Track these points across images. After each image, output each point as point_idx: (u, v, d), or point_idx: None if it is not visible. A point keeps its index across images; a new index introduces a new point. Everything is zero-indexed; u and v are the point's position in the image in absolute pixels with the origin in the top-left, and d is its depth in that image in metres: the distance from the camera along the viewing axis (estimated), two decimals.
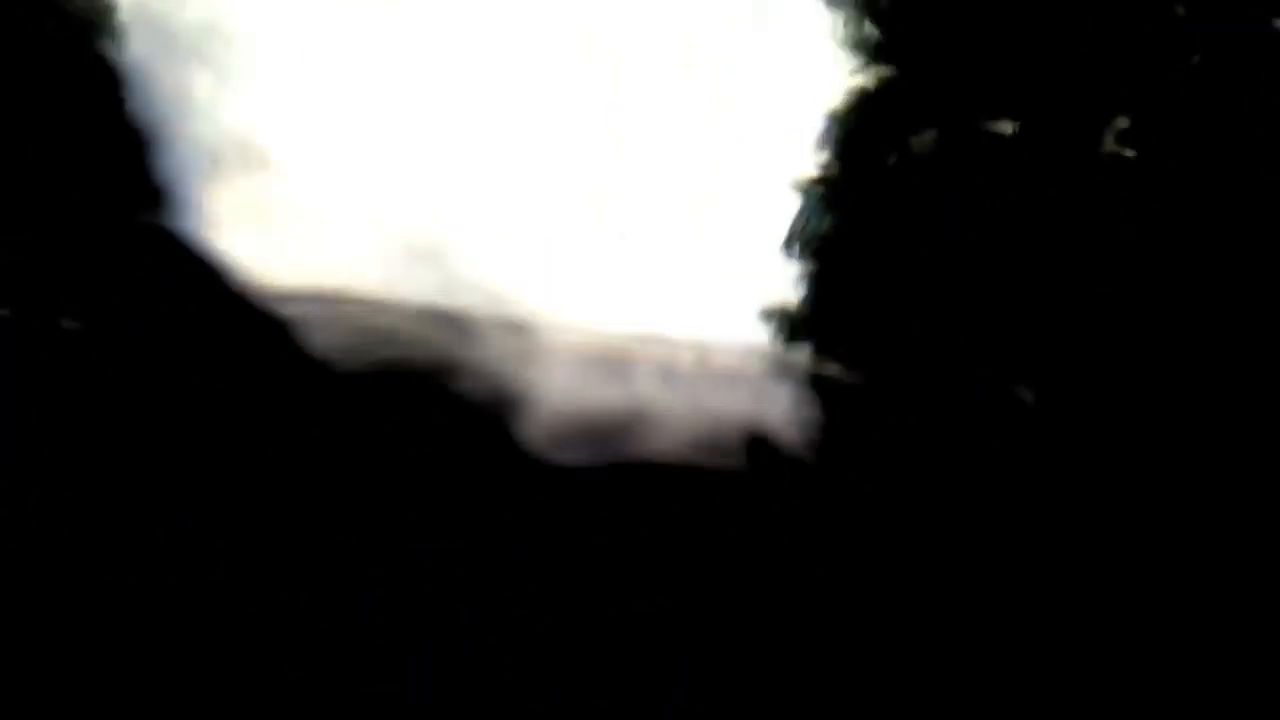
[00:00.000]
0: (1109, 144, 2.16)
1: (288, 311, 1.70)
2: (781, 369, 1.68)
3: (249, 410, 1.51)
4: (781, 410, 1.61)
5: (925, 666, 1.21)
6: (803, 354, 1.81)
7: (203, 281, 1.72)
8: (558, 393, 1.64)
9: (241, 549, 1.26)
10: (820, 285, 1.95)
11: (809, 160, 2.15)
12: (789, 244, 1.89)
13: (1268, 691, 1.24)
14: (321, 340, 1.69)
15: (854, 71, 2.32)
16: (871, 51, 2.38)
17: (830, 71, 2.38)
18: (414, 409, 1.57)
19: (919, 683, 1.19)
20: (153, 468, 1.38)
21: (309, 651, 1.12)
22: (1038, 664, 1.24)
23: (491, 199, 2.06)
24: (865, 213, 2.06)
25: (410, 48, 2.40)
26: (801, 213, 2.01)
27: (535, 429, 1.59)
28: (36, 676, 1.07)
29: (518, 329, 1.71)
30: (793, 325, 1.88)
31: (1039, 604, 1.28)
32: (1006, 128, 2.10)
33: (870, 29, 2.38)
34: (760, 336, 1.81)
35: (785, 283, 1.95)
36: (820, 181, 2.07)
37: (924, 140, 2.10)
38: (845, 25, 2.37)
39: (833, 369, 1.69)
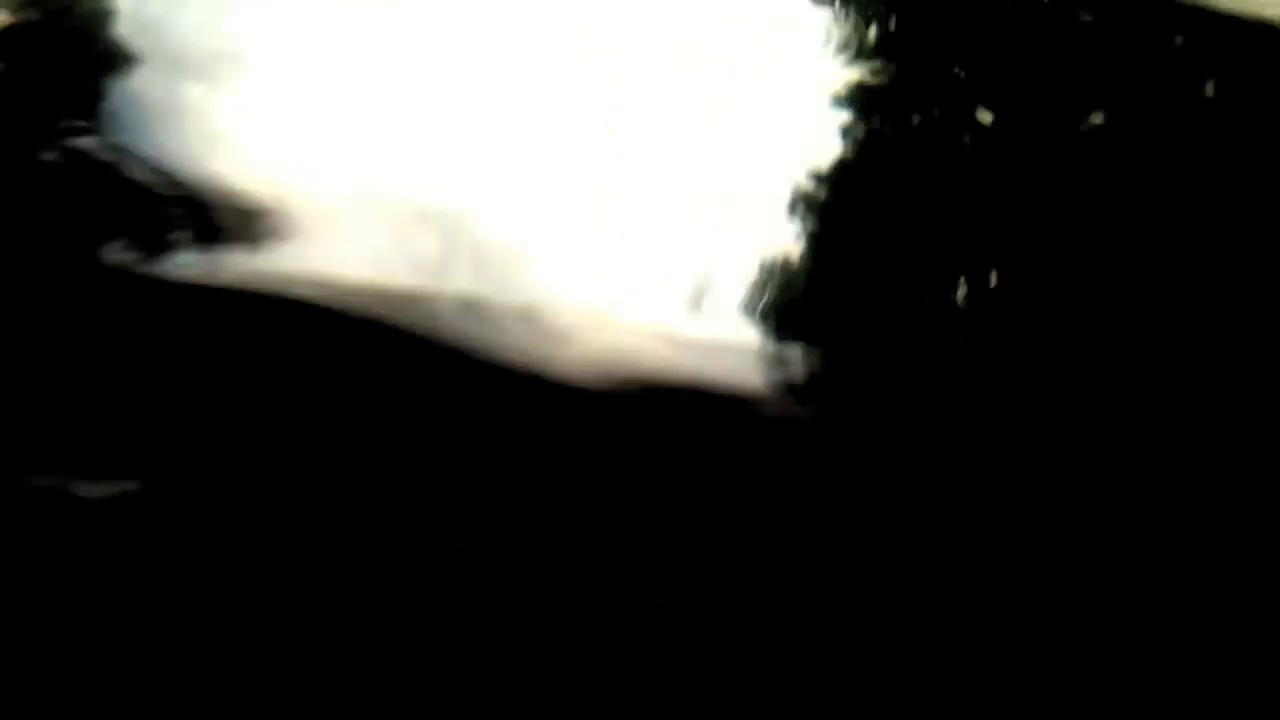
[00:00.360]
0: (1090, 128, 2.17)
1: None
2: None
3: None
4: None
5: (925, 665, 1.20)
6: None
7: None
8: None
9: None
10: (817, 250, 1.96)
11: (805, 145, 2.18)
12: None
13: (1267, 691, 1.23)
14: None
15: (851, 64, 2.33)
16: (869, 47, 2.39)
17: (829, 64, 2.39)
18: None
19: (919, 681, 1.19)
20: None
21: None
22: (1037, 663, 1.24)
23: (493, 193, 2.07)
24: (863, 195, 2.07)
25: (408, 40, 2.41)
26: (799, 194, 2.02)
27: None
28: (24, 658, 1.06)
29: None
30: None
31: (1038, 603, 1.28)
32: (985, 117, 2.12)
33: (868, 26, 2.40)
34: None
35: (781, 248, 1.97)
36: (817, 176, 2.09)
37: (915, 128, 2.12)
38: (843, 21, 2.39)
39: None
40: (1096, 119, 2.15)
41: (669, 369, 1.64)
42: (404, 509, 1.33)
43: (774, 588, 1.25)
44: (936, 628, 1.21)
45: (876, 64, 2.26)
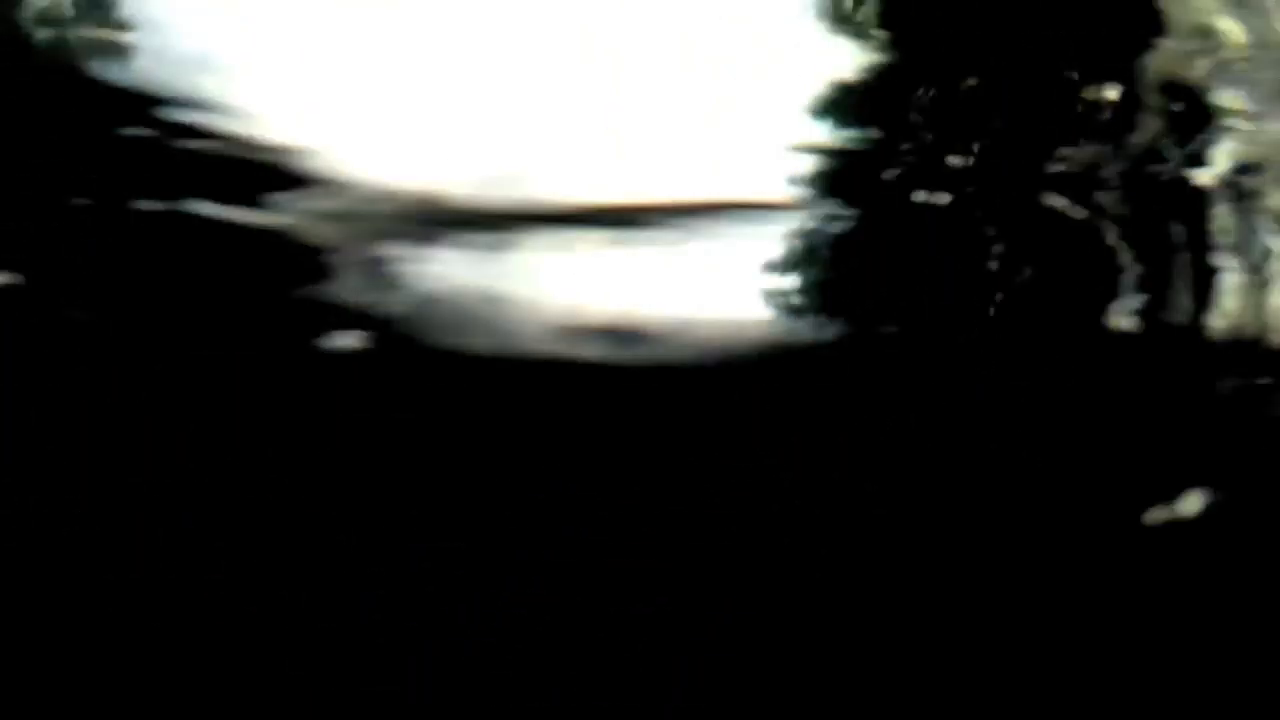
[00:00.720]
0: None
1: None
2: None
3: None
4: None
5: (926, 664, 1.20)
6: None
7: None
8: None
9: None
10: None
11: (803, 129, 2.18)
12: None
13: (1267, 692, 1.23)
14: None
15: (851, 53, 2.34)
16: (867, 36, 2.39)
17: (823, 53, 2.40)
18: None
19: (920, 681, 1.19)
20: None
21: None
22: (1037, 663, 1.24)
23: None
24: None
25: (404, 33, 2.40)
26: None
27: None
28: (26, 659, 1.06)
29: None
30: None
31: (1038, 601, 1.28)
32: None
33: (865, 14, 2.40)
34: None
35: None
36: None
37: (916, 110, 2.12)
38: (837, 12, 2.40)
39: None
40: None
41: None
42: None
43: (775, 586, 1.25)
44: (937, 628, 1.21)
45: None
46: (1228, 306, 1.80)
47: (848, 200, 2.01)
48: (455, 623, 1.17)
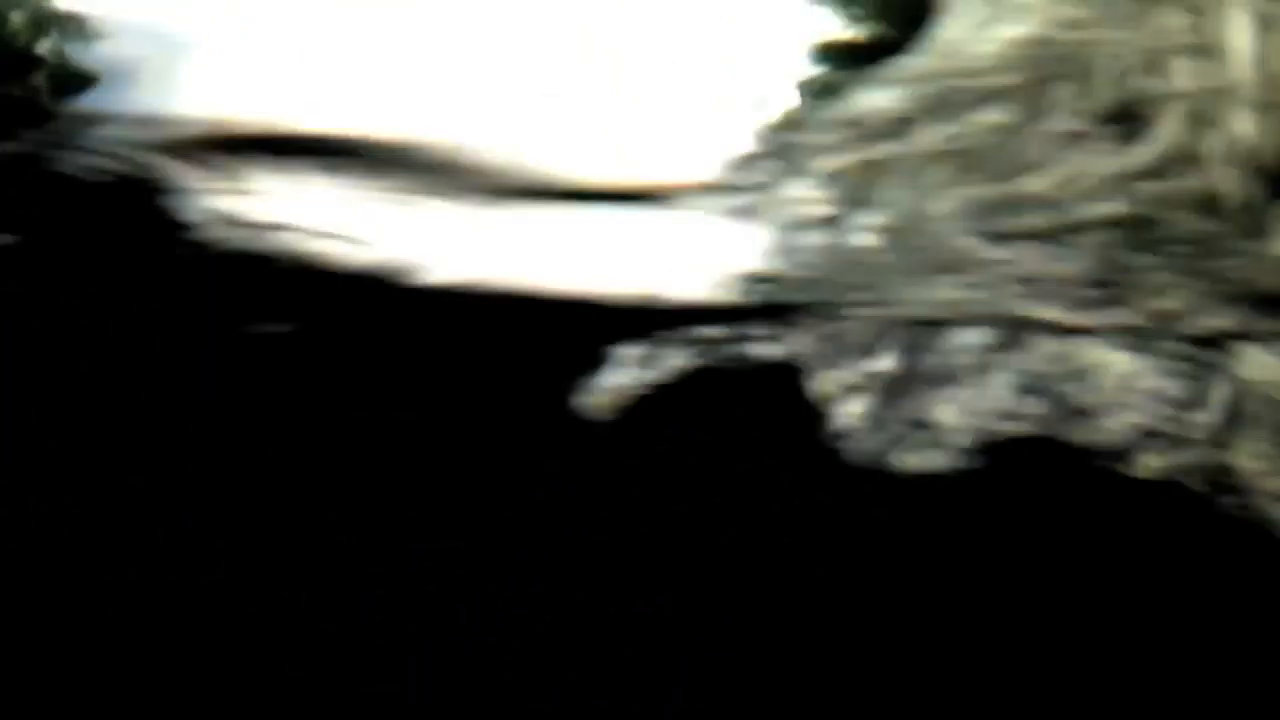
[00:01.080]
0: None
1: None
2: None
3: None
4: None
5: (924, 663, 1.20)
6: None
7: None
8: None
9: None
10: None
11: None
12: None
13: (1267, 692, 1.23)
14: None
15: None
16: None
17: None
18: None
19: (921, 680, 1.19)
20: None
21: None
22: (1036, 663, 1.24)
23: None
24: None
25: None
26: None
27: None
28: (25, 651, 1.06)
29: None
30: None
31: (1037, 601, 1.28)
32: None
33: None
34: None
35: None
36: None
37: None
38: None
39: None
40: None
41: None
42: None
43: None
44: (936, 628, 1.21)
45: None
46: None
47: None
48: (455, 623, 1.17)
